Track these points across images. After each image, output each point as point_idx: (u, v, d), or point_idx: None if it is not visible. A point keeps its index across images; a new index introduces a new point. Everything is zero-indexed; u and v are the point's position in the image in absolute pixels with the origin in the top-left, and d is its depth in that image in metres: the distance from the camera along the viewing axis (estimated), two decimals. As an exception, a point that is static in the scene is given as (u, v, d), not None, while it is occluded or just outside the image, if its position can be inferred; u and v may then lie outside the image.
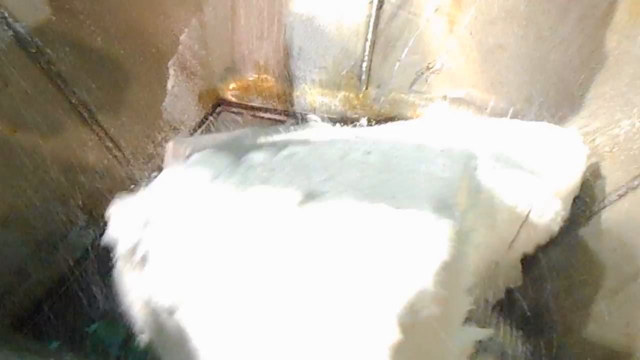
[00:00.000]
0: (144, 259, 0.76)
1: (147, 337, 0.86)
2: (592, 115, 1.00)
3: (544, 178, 0.93)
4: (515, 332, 0.89)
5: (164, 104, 1.34)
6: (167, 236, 0.77)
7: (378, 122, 1.48)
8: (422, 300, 0.59)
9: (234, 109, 1.60)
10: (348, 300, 0.61)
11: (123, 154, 1.19)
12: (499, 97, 1.31)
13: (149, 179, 1.29)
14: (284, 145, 0.97)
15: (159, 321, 0.77)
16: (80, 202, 1.08)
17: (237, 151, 1.00)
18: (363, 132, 1.12)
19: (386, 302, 0.59)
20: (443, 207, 0.72)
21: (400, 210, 0.69)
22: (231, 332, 0.67)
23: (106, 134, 1.14)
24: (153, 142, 1.30)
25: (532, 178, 0.93)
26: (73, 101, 1.05)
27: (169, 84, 1.37)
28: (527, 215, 0.94)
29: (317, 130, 1.17)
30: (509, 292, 1.07)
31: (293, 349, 0.62)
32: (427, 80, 1.37)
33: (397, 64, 1.38)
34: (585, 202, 0.90)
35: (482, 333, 0.71)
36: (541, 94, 1.20)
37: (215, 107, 1.57)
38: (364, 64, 1.41)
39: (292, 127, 1.29)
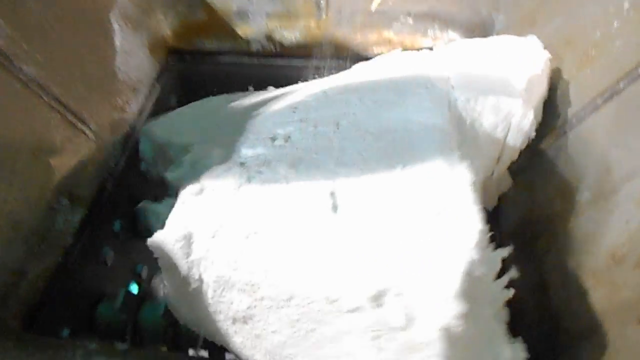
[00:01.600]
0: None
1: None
2: (566, 19, 1.00)
3: (514, 91, 0.95)
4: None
5: (116, 63, 1.24)
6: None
7: (342, 55, 1.43)
8: (474, 260, 0.61)
9: (188, 57, 1.50)
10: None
11: (89, 127, 1.11)
12: (464, 8, 1.29)
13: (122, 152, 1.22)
14: (264, 128, 0.92)
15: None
16: (57, 186, 1.02)
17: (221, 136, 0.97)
18: (334, 86, 1.08)
19: (447, 268, 0.61)
20: (449, 155, 0.73)
21: (418, 173, 0.71)
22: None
23: (66, 108, 1.05)
24: (115, 108, 1.22)
25: (505, 98, 0.95)
26: (23, 78, 0.96)
27: (117, 41, 1.25)
28: (507, 134, 0.97)
29: (282, 96, 1.12)
30: (500, 201, 1.12)
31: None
32: (389, -1, 1.32)
33: (356, -16, 1.32)
34: (570, 109, 0.93)
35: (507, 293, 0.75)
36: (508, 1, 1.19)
37: (169, 57, 1.47)
38: (321, -11, 1.34)
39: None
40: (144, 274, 1.36)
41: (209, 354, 1.01)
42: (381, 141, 0.80)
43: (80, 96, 1.09)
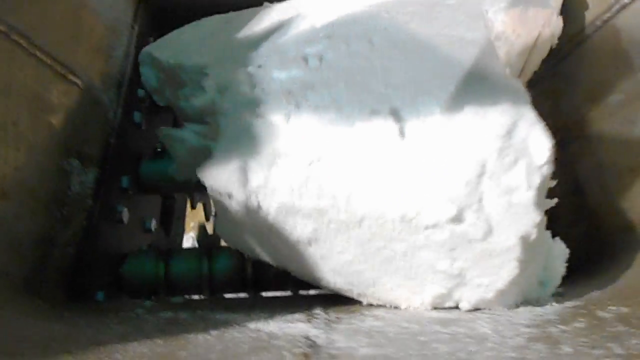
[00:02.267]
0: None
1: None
2: None
3: (545, 1, 0.94)
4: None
5: (91, 5, 1.12)
6: None
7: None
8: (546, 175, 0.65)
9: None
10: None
11: (80, 78, 1.01)
12: None
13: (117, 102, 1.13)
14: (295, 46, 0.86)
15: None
16: (64, 147, 0.94)
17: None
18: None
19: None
20: (500, 73, 0.73)
21: (476, 93, 0.70)
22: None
23: (54, 59, 0.95)
24: (101, 53, 1.11)
25: (535, 9, 0.94)
26: (3, 29, 0.85)
27: (85, -23, 1.12)
28: (535, 45, 0.97)
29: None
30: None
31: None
32: None
33: None
34: (592, 11, 0.93)
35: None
36: None
37: (141, -7, 1.33)
38: None
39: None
40: (154, 227, 1.32)
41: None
42: (424, 60, 0.77)
43: (64, 45, 0.99)
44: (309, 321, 0.68)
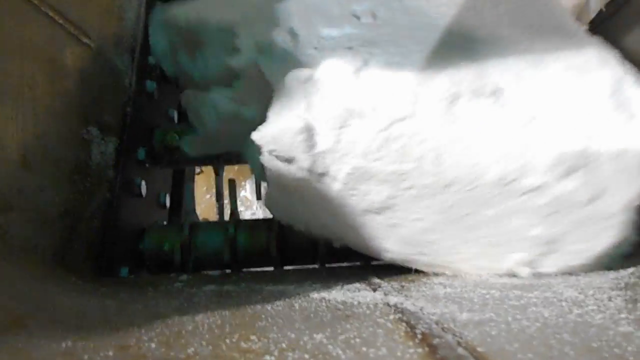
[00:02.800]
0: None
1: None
2: None
3: None
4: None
5: (98, -37, 1.04)
6: None
7: None
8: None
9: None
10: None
11: (93, 40, 0.94)
12: None
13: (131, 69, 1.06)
14: None
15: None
16: (83, 114, 0.87)
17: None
18: None
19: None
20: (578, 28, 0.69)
21: (564, 51, 0.66)
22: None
23: (65, 19, 0.88)
24: (112, 15, 1.03)
25: None
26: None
27: None
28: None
29: None
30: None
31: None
32: None
33: None
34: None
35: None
36: None
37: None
38: None
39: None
40: (167, 201, 1.26)
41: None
42: (494, 16, 0.73)
43: (74, 4, 0.91)
44: (374, 290, 0.64)
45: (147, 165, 1.09)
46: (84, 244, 0.80)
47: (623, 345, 0.39)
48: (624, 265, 0.67)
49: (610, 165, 0.61)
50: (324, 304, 0.56)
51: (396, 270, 0.76)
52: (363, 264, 0.99)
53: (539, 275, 0.66)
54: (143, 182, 1.05)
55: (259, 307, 0.55)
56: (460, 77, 0.65)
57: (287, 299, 0.59)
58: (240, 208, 3.49)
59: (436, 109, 0.64)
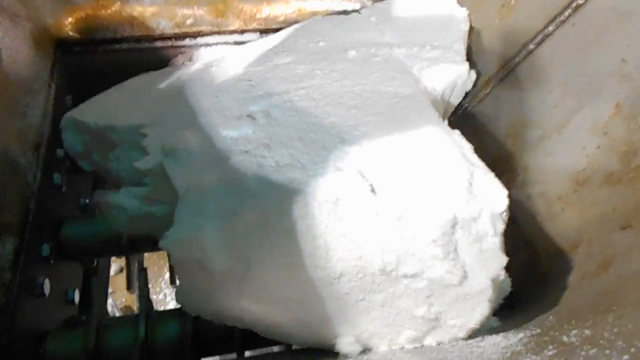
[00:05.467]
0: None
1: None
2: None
3: (458, 56, 1.03)
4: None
5: (2, 62, 1.04)
6: None
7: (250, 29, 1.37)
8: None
9: (79, 49, 1.31)
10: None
11: None
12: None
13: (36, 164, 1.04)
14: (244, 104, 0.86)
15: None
16: None
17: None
18: (278, 52, 1.04)
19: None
20: (440, 125, 0.78)
21: (424, 147, 0.75)
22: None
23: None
24: (17, 114, 1.03)
25: (451, 65, 1.02)
26: None
27: (-3, 37, 1.05)
28: (452, 94, 1.04)
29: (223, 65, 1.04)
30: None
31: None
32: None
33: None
34: (500, 57, 1.02)
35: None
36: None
37: (57, 50, 1.27)
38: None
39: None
40: (77, 298, 1.20)
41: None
42: (369, 115, 0.81)
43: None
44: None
45: (51, 261, 1.04)
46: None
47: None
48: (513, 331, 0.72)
49: (470, 251, 0.70)
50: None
51: (318, 352, 0.77)
52: (283, 349, 0.98)
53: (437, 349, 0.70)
54: (47, 281, 1.00)
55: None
56: (341, 180, 0.71)
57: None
58: (166, 290, 3.37)
59: (323, 210, 0.69)
